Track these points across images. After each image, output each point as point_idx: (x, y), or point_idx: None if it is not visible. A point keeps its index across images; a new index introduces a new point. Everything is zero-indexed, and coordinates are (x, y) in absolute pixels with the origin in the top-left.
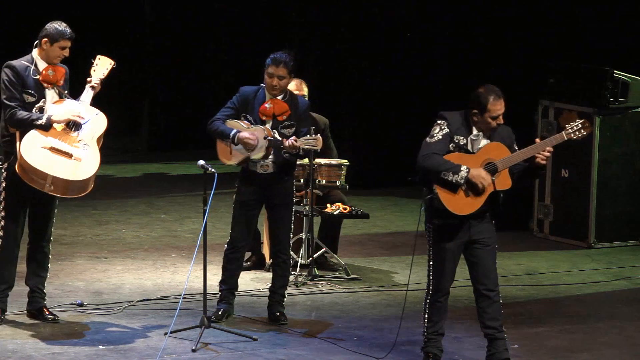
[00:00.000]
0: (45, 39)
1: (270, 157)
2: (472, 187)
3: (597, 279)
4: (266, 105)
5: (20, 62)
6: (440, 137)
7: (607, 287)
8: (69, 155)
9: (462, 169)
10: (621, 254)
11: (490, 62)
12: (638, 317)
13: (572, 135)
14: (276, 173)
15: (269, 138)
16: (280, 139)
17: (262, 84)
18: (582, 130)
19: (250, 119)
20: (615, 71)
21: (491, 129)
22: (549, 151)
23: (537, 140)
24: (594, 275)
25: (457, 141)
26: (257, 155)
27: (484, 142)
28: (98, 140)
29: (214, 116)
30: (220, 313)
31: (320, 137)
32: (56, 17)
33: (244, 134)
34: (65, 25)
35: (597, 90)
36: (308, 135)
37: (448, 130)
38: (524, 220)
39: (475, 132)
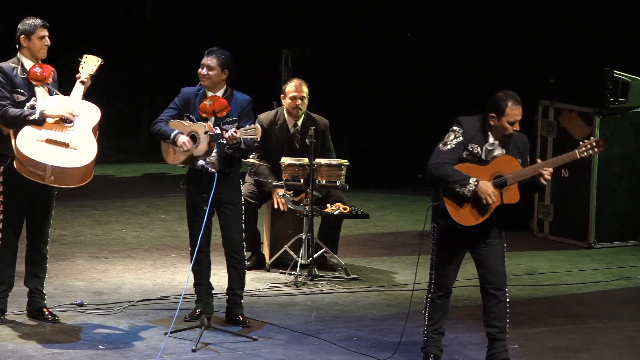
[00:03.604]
0: (22, 36)
1: (214, 154)
2: (478, 201)
3: (597, 279)
4: (205, 102)
5: (7, 64)
6: (454, 146)
7: (607, 287)
8: (66, 145)
9: (470, 181)
10: (621, 254)
11: (490, 62)
12: (638, 317)
13: (585, 153)
14: (222, 170)
15: (210, 133)
16: (220, 132)
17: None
18: (596, 149)
19: (193, 118)
20: (615, 71)
21: (507, 136)
22: (550, 172)
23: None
24: (594, 275)
25: (471, 149)
26: (199, 152)
27: (498, 151)
28: (94, 131)
29: (158, 117)
30: (196, 313)
31: (258, 125)
32: (54, 18)
33: (182, 139)
34: (34, 17)
35: (597, 90)
36: (247, 126)
37: (462, 139)
38: (524, 220)
39: (491, 139)
